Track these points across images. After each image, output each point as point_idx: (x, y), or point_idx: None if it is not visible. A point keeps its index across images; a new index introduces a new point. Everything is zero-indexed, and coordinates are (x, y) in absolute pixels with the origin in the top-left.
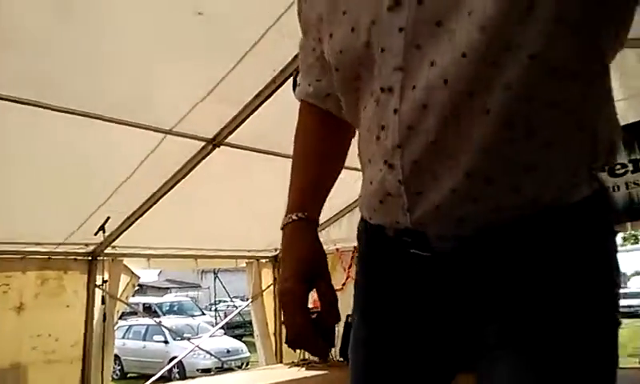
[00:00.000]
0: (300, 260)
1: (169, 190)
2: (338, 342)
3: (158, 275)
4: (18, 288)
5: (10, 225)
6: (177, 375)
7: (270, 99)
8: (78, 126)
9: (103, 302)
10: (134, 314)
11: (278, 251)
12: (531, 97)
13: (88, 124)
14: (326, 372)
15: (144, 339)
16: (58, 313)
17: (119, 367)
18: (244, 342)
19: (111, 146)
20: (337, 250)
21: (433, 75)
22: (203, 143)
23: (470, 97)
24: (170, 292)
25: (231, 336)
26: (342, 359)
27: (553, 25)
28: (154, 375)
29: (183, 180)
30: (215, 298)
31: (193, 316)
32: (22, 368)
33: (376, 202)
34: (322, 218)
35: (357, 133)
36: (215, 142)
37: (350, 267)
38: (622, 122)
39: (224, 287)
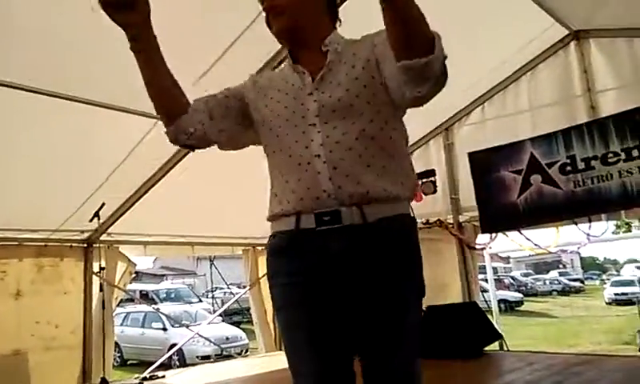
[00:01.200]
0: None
1: (163, 176)
2: None
3: (154, 262)
4: (14, 275)
5: (5, 211)
6: (177, 362)
7: None
8: (72, 112)
9: (101, 289)
10: (131, 301)
11: None
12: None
13: (82, 110)
14: None
15: (142, 326)
16: (55, 300)
17: (119, 354)
18: (242, 328)
19: (105, 132)
20: None
21: (326, 132)
22: None
23: (336, 146)
24: (166, 279)
25: (229, 323)
26: None
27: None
28: (153, 362)
29: (177, 166)
30: (212, 285)
31: (190, 303)
32: (23, 354)
33: None
34: None
35: None
36: None
37: None
38: (616, 111)
39: (220, 274)
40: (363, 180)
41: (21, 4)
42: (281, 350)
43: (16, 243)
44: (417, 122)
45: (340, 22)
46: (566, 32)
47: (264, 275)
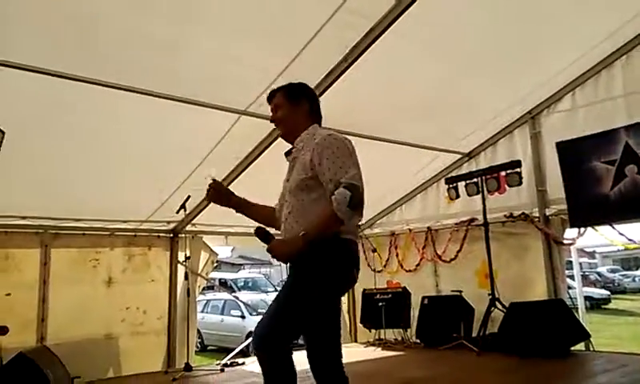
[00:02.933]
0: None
1: (243, 170)
2: (414, 323)
3: (232, 252)
4: (106, 263)
5: (99, 203)
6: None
7: (342, 78)
8: (160, 108)
9: (186, 277)
10: (211, 288)
11: None
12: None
13: (170, 106)
14: (402, 352)
15: (222, 313)
16: (144, 287)
17: (199, 340)
18: None
19: (191, 127)
20: (409, 230)
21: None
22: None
23: (289, 214)
24: (244, 268)
25: None
26: (418, 341)
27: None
28: (232, 348)
29: (257, 159)
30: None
31: (266, 292)
32: (114, 339)
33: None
34: (395, 198)
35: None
36: None
37: (423, 248)
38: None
39: None
40: (295, 229)
41: (109, 7)
42: (356, 341)
43: (108, 233)
44: (500, 110)
45: (321, 119)
46: None
47: None
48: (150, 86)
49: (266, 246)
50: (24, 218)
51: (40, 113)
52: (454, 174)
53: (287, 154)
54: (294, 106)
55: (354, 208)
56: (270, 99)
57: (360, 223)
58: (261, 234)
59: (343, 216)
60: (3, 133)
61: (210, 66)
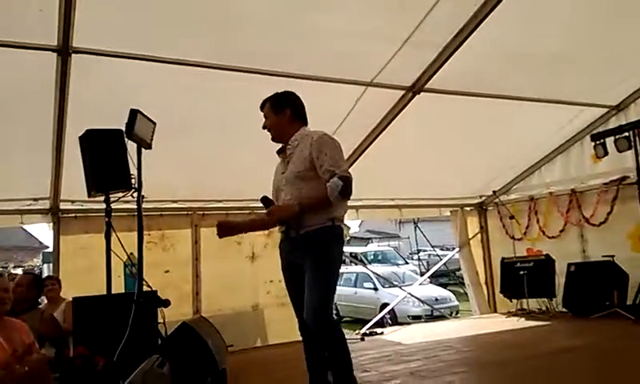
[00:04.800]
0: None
1: (372, 142)
2: (560, 291)
3: (359, 226)
4: (249, 241)
5: (237, 185)
6: (389, 321)
7: (472, 36)
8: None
9: None
10: (343, 261)
11: (483, 198)
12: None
13: (297, 85)
14: (548, 322)
15: (355, 286)
16: None
17: (335, 311)
18: (449, 290)
19: (317, 102)
20: (550, 193)
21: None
22: (403, 92)
23: (288, 200)
24: (372, 242)
25: (436, 284)
26: (565, 310)
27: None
28: (366, 320)
29: (385, 130)
30: (417, 246)
31: (397, 264)
32: (260, 310)
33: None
34: (534, 159)
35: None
36: (415, 90)
37: (568, 212)
38: None
39: (425, 236)
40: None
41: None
42: (495, 311)
43: (248, 212)
44: None
45: (307, 122)
46: None
47: (475, 236)
48: (285, 68)
49: (266, 210)
50: (175, 201)
51: (188, 103)
52: (600, 129)
53: (280, 151)
54: (278, 115)
55: (343, 196)
56: (261, 109)
57: (495, 189)
58: (265, 200)
59: (334, 201)
60: (154, 124)
61: (335, 41)
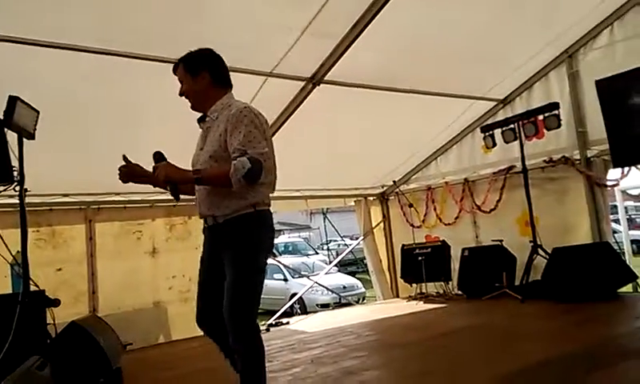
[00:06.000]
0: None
1: (274, 134)
2: (455, 275)
3: None
4: (149, 234)
5: None
6: (298, 310)
7: (371, 30)
8: None
9: None
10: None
11: (384, 188)
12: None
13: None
14: (444, 305)
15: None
16: (187, 254)
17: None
18: (357, 278)
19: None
20: (446, 183)
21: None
22: (303, 83)
23: None
24: (283, 233)
25: (344, 273)
26: (460, 292)
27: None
28: (276, 310)
29: (287, 122)
30: (326, 237)
31: (307, 255)
32: (162, 306)
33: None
34: (431, 150)
35: None
36: (314, 81)
37: (461, 200)
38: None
39: (334, 227)
40: (209, 198)
41: None
42: (398, 297)
43: (149, 205)
44: (535, 51)
45: (231, 85)
46: None
47: (377, 224)
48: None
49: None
50: (66, 194)
51: (80, 90)
52: (489, 122)
53: (200, 120)
54: (195, 79)
55: (248, 180)
56: (174, 72)
57: (395, 179)
58: (158, 155)
59: (235, 183)
60: (37, 112)
61: (233, 30)
